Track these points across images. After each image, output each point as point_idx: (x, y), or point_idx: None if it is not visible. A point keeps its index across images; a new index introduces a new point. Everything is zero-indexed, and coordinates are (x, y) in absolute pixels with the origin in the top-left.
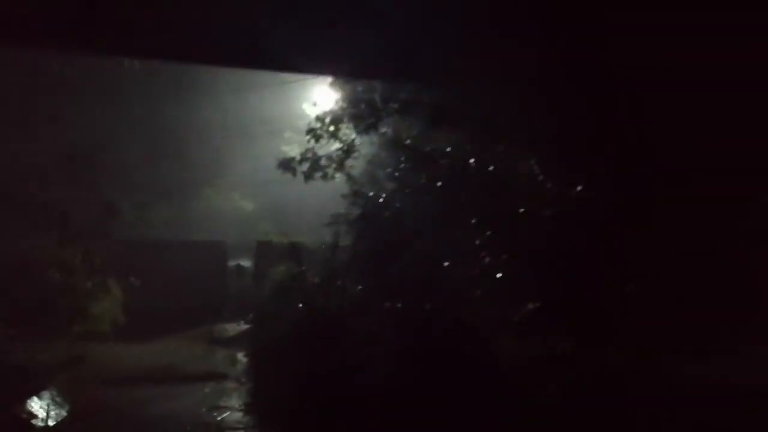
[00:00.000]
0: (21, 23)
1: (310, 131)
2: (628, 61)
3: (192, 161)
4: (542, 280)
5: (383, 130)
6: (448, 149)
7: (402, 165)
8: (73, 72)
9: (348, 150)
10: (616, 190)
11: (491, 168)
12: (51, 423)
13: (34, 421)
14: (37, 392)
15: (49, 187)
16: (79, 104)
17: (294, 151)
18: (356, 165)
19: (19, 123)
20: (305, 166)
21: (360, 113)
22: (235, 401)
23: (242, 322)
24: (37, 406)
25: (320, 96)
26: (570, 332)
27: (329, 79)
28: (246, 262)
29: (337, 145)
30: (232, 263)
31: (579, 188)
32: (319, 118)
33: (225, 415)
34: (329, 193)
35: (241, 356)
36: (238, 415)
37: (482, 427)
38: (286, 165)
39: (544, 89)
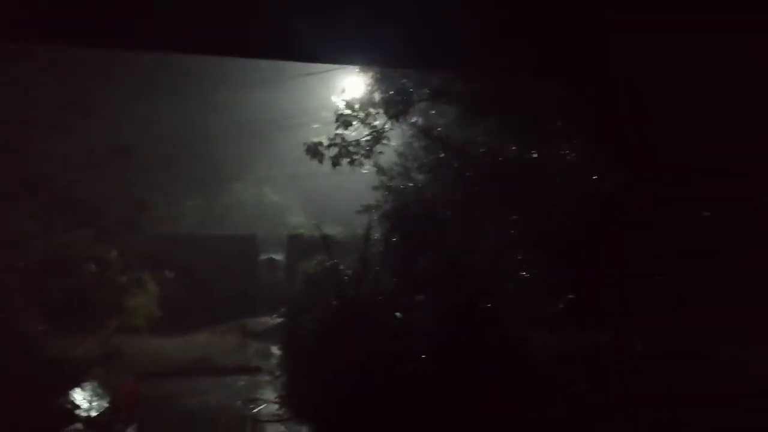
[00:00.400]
0: (52, 18)
1: (339, 117)
2: (661, 57)
3: (221, 156)
4: (575, 274)
5: (413, 119)
6: (481, 139)
7: (433, 156)
8: (103, 67)
9: (377, 136)
10: (649, 184)
11: (524, 160)
12: (93, 414)
13: (77, 412)
14: (77, 385)
15: (83, 184)
16: (108, 101)
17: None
18: (386, 155)
19: (54, 120)
20: (333, 152)
21: (390, 99)
22: (270, 394)
23: (275, 315)
24: (80, 397)
25: (349, 85)
26: (602, 326)
27: (357, 68)
28: (278, 256)
29: (366, 131)
30: (263, 257)
31: (613, 182)
32: (348, 105)
33: (260, 407)
34: (360, 186)
35: (274, 349)
36: (273, 408)
37: (514, 420)
38: (314, 150)
39: (580, 81)
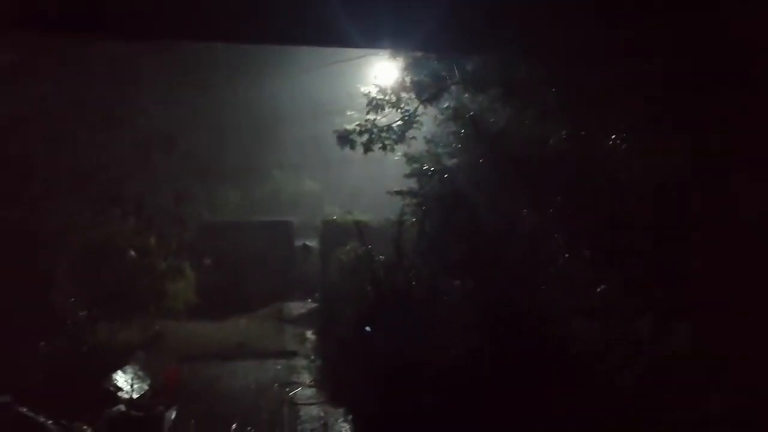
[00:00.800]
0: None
1: (371, 101)
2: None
3: (257, 145)
4: (619, 262)
5: (446, 104)
6: (517, 123)
7: (466, 141)
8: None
9: (409, 120)
10: (696, 172)
11: (560, 146)
12: (135, 396)
13: (120, 394)
14: (120, 367)
15: (128, 175)
16: (145, 94)
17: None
18: (417, 140)
19: (99, 115)
20: (364, 138)
21: (422, 82)
22: (306, 377)
23: (310, 300)
24: (122, 379)
25: (381, 71)
26: (649, 315)
27: (388, 54)
28: (312, 242)
29: (397, 116)
30: (298, 243)
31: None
32: (380, 89)
33: (296, 390)
34: (394, 173)
35: (309, 334)
36: (309, 391)
37: (559, 409)
38: (345, 137)
39: (627, 68)
